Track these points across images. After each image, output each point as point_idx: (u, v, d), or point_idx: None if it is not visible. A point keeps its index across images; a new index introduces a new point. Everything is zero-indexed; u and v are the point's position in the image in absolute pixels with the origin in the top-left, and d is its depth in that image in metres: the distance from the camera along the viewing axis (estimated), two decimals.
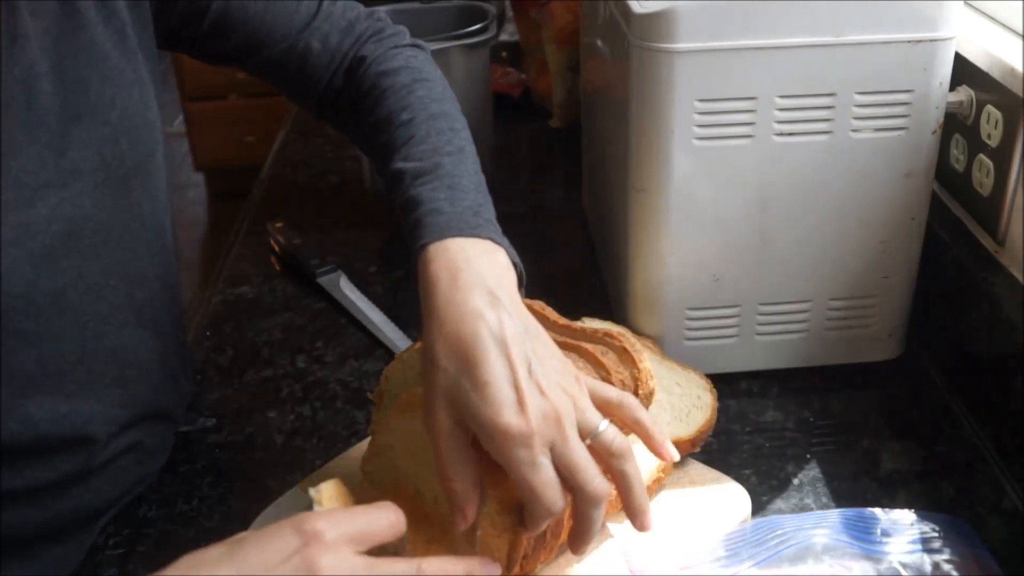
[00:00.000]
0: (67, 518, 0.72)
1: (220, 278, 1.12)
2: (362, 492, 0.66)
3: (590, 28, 1.04)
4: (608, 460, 0.60)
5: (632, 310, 0.89)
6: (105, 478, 0.75)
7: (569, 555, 0.69)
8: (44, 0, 0.65)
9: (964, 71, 0.86)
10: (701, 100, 0.79)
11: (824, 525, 0.70)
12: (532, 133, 1.47)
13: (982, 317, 0.83)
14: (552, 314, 0.73)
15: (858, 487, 0.78)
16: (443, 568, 0.55)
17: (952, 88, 0.83)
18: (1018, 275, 0.82)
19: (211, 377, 0.94)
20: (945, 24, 0.77)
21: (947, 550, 0.68)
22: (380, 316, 1.01)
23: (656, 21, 0.77)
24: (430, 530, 0.64)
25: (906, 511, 0.71)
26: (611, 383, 0.66)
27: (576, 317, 0.80)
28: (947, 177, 0.93)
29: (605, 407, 0.62)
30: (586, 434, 0.60)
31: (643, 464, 0.74)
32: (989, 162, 0.85)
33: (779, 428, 0.85)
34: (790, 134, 0.80)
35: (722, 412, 0.84)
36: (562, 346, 0.69)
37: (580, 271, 1.10)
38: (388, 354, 0.96)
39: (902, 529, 0.70)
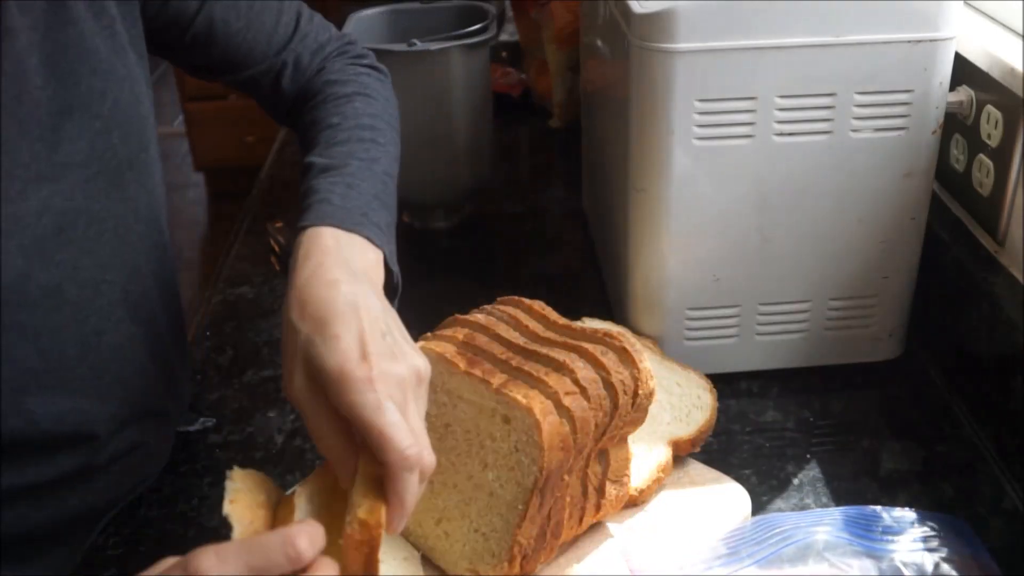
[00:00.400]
0: (67, 518, 0.73)
1: (220, 278, 1.12)
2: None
3: (590, 28, 1.04)
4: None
5: (632, 310, 0.89)
6: (105, 478, 0.75)
7: (569, 555, 0.70)
8: None
9: (964, 71, 0.86)
10: (701, 100, 0.79)
11: (825, 522, 0.70)
12: (532, 133, 1.48)
13: (982, 317, 0.83)
14: (552, 314, 0.73)
15: (858, 487, 0.78)
16: None
17: (952, 88, 0.83)
18: (1018, 275, 0.82)
19: (211, 377, 0.94)
20: (945, 24, 0.77)
21: (947, 550, 0.68)
22: None
23: (656, 21, 0.77)
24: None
25: (906, 510, 0.71)
26: (611, 383, 0.66)
27: (576, 317, 0.80)
28: (947, 177, 0.93)
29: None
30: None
31: (643, 464, 0.74)
32: (989, 162, 0.85)
33: (779, 428, 0.85)
34: (790, 134, 0.80)
35: (722, 412, 0.84)
36: (562, 346, 0.69)
37: (580, 271, 1.10)
38: None
39: (904, 527, 0.70)
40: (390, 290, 0.70)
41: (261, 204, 1.29)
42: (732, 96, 0.78)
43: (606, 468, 0.70)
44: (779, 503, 0.77)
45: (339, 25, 1.14)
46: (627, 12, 0.79)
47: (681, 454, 0.77)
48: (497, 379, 0.66)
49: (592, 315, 0.89)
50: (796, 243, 0.85)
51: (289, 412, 0.89)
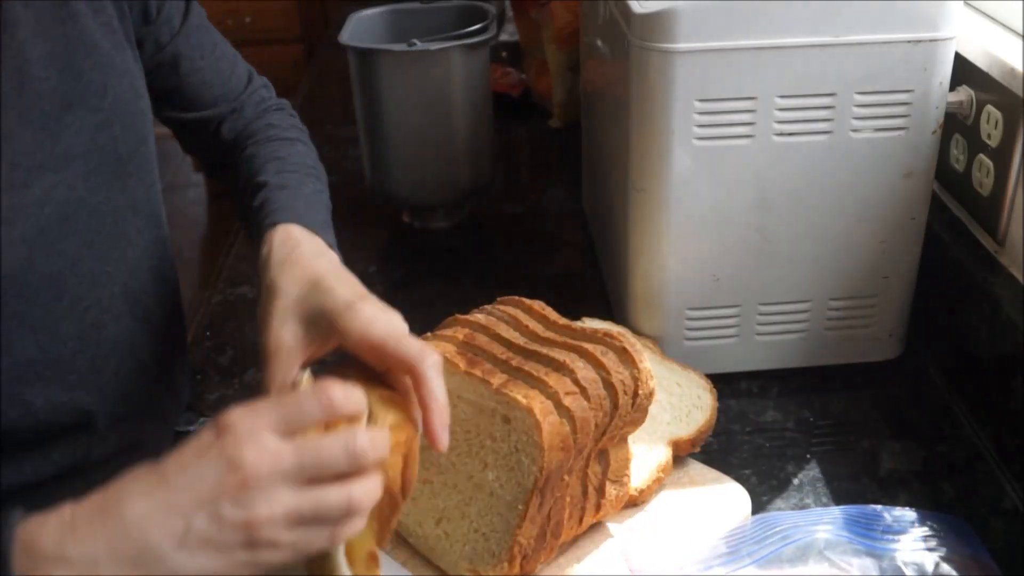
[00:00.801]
0: None
1: (220, 278, 1.12)
2: None
3: (590, 28, 1.04)
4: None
5: (632, 310, 0.89)
6: (103, 477, 0.75)
7: (569, 555, 0.70)
8: None
9: (964, 71, 0.86)
10: (701, 100, 0.79)
11: (826, 521, 0.70)
12: (532, 133, 1.47)
13: (982, 317, 0.83)
14: (552, 314, 0.73)
15: (858, 487, 0.78)
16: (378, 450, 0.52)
17: (952, 88, 0.83)
18: (1018, 275, 0.82)
19: (211, 377, 0.94)
20: (945, 24, 0.77)
21: (946, 550, 0.68)
22: None
23: (656, 21, 0.77)
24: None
25: (906, 510, 0.71)
26: (611, 383, 0.66)
27: (576, 317, 0.80)
28: (947, 177, 0.93)
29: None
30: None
31: (643, 464, 0.74)
32: (989, 162, 0.85)
33: (779, 428, 0.85)
34: (790, 134, 0.80)
35: (722, 412, 0.84)
36: (562, 346, 0.69)
37: (580, 271, 1.10)
38: None
39: (904, 527, 0.70)
40: None
41: None
42: (732, 96, 0.78)
43: (606, 468, 0.70)
44: (779, 503, 0.77)
45: (339, 25, 1.15)
46: (627, 12, 0.79)
47: (681, 454, 0.77)
48: (497, 379, 0.66)
49: (592, 315, 0.89)
50: (796, 243, 0.85)
51: None
